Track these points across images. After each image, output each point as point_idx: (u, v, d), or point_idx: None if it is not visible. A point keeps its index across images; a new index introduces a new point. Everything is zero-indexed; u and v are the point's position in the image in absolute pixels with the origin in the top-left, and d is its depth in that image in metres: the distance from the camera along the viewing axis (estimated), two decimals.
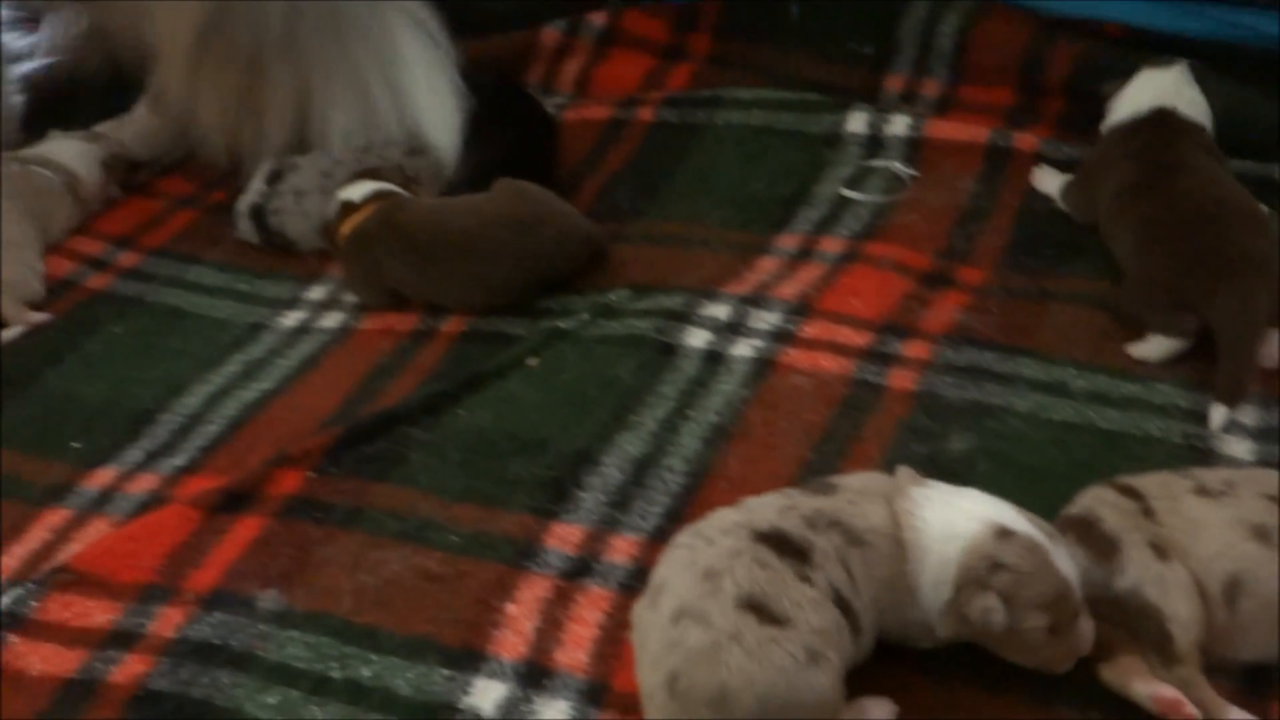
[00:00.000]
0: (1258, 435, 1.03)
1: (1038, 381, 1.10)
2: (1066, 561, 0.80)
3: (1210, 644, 0.82)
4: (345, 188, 1.32)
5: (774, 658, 0.75)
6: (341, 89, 1.41)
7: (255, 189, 1.42)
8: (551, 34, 1.70)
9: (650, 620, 0.80)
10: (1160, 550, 0.83)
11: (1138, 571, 0.82)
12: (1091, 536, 0.85)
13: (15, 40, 1.68)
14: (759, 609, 0.76)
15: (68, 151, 1.52)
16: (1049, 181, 1.34)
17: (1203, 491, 0.86)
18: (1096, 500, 0.87)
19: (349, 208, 1.30)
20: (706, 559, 0.79)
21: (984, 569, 0.78)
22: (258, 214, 1.41)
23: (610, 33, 1.69)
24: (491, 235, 1.23)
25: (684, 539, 0.84)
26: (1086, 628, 0.81)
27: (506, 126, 1.47)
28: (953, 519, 0.81)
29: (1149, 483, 0.88)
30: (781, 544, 0.80)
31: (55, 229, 1.46)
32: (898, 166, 1.41)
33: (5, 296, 1.32)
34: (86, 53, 1.77)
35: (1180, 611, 0.81)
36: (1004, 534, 0.79)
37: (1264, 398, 1.06)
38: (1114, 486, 0.88)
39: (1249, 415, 1.05)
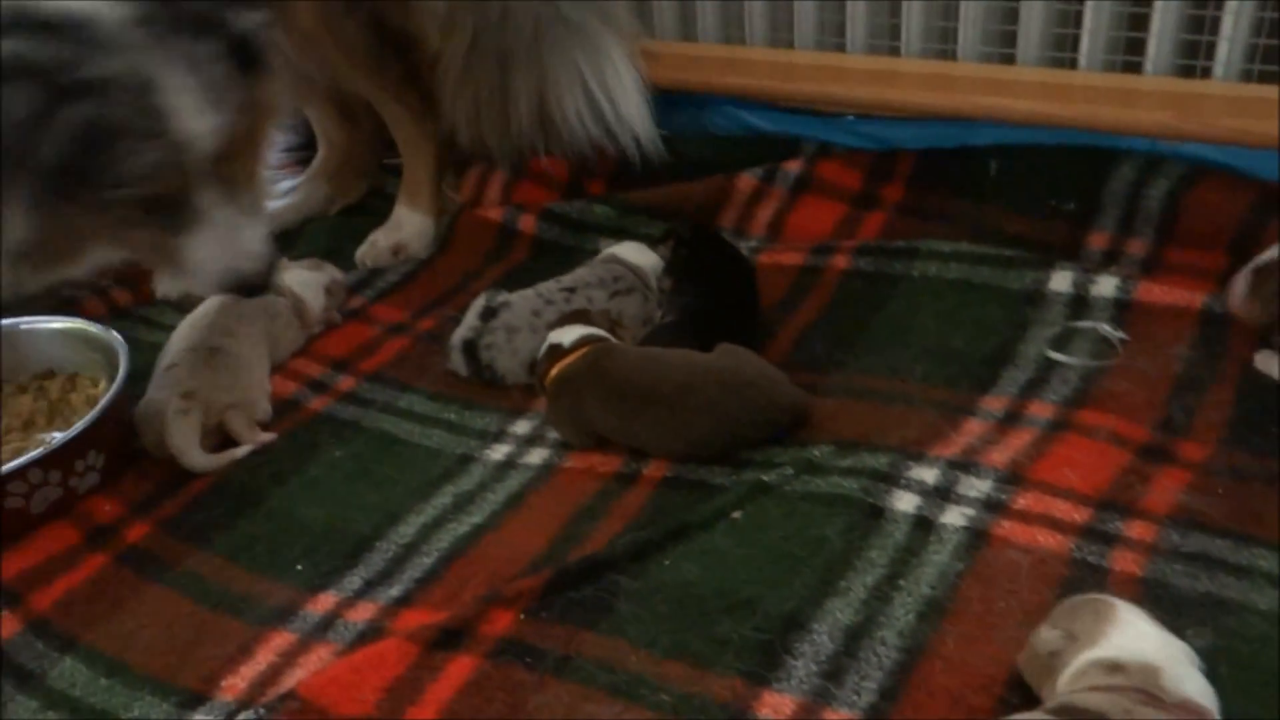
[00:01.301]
0: None
1: (1277, 577, 1.04)
2: None
3: None
4: (556, 330, 1.38)
5: None
6: (569, 81, 1.70)
7: (469, 324, 1.49)
8: (747, 180, 1.75)
9: None
10: None
11: None
12: None
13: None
14: None
15: (296, 278, 1.64)
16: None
17: None
18: None
19: (558, 351, 1.35)
20: None
21: None
22: (470, 348, 1.48)
23: (805, 180, 1.74)
24: (698, 392, 1.25)
25: None
26: None
27: (708, 272, 1.50)
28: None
29: None
30: None
31: (282, 351, 1.58)
32: (1106, 329, 1.39)
33: (240, 416, 1.42)
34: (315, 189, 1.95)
35: None
36: None
37: None
38: None
39: None
